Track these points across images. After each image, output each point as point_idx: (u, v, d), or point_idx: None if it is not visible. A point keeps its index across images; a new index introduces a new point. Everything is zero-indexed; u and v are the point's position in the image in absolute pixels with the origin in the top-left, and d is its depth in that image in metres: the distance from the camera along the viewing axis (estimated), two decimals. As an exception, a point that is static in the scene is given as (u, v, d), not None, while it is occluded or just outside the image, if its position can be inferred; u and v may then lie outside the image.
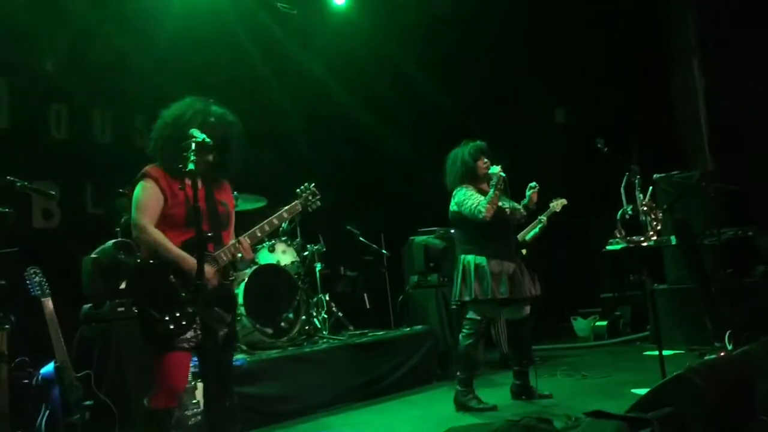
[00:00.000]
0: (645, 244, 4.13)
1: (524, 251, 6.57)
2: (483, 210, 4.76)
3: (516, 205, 5.11)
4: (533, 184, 5.09)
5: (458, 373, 5.03)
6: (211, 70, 6.95)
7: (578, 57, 7.84)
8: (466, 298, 4.92)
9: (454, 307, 5.50)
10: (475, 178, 5.05)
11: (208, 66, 6.95)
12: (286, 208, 3.59)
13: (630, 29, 7.47)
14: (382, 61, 8.09)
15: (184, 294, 3.19)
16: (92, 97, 6.48)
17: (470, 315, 5.01)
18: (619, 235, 4.18)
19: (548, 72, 8.08)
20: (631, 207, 4.33)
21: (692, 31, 7.23)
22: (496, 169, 4.85)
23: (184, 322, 3.17)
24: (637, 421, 2.96)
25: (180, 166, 2.93)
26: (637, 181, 4.34)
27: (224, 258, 3.30)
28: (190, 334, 3.19)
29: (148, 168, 3.36)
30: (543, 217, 6.58)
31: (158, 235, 3.24)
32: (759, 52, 6.79)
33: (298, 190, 3.65)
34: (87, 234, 5.74)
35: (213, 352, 3.24)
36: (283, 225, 6.42)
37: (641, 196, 4.31)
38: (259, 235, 3.49)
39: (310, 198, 3.65)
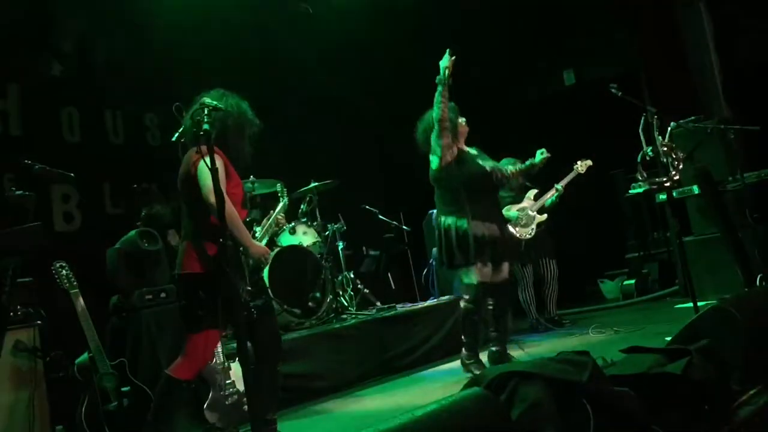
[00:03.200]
0: (668, 184, 4.07)
1: (545, 216, 6.58)
2: (437, 113, 4.63)
3: (497, 164, 5.02)
4: (542, 150, 5.11)
5: (462, 337, 4.93)
6: (219, 62, 6.96)
7: (581, 15, 7.76)
8: (454, 264, 4.78)
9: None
10: (455, 137, 4.88)
11: (214, 57, 6.96)
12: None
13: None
14: (390, 40, 8.02)
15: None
16: (102, 98, 6.52)
17: (466, 280, 4.85)
18: (641, 178, 4.12)
19: (553, 35, 8.02)
20: (650, 149, 4.27)
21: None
22: (445, 62, 4.66)
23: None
24: (675, 353, 2.93)
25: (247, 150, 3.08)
26: (654, 122, 4.27)
27: None
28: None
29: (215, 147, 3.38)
30: (559, 186, 6.56)
31: (235, 210, 3.35)
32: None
33: None
34: (108, 234, 5.77)
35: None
36: (302, 207, 6.45)
37: (660, 137, 4.25)
38: None
39: None
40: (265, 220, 4.00)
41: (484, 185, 4.87)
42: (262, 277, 3.58)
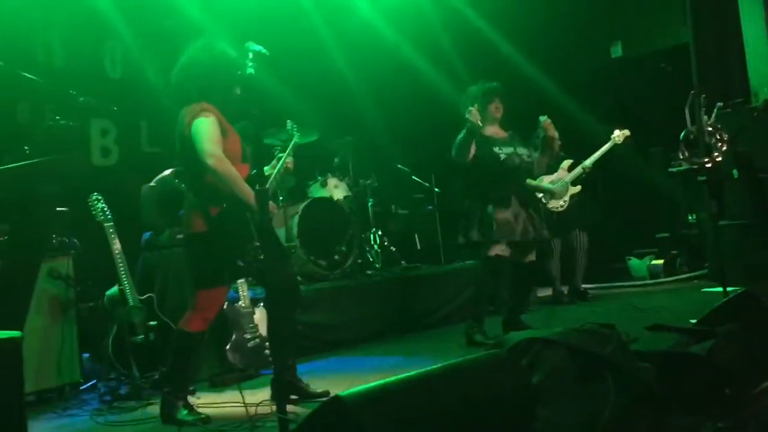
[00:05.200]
0: (709, 165, 3.99)
1: (578, 188, 6.52)
2: (453, 154, 4.77)
3: (524, 151, 5.00)
4: (543, 117, 4.97)
5: (472, 306, 5.02)
6: (260, 7, 6.91)
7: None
8: (474, 239, 4.83)
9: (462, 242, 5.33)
10: (484, 121, 4.88)
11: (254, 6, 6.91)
12: None
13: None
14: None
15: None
16: (144, 36, 6.53)
17: (483, 254, 4.89)
18: (682, 157, 4.04)
19: (602, 6, 7.83)
20: (695, 128, 4.17)
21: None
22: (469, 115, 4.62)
23: (261, 256, 3.26)
24: (701, 334, 2.91)
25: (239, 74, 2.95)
26: (701, 101, 4.17)
27: None
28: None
29: (203, 104, 3.38)
30: (587, 163, 6.46)
31: (234, 168, 3.28)
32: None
33: None
34: (144, 171, 5.84)
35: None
36: (336, 160, 6.47)
37: (705, 117, 4.15)
38: None
39: None
40: (271, 167, 3.83)
41: (501, 171, 4.89)
42: (272, 230, 3.51)
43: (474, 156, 4.79)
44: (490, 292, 5.08)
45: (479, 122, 4.62)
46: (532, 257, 5.02)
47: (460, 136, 4.73)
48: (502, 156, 4.88)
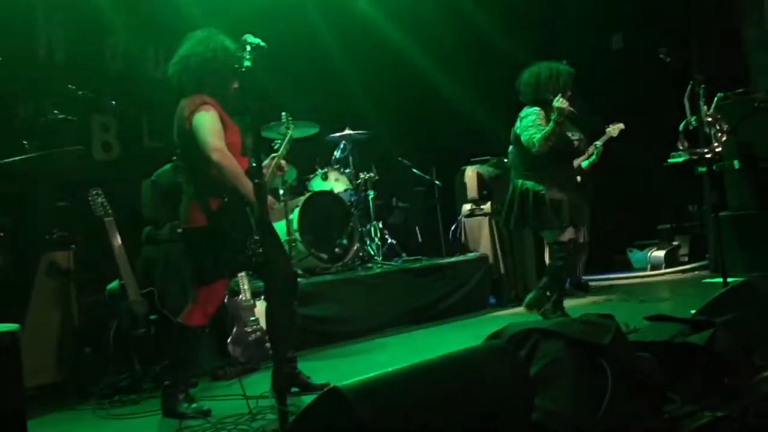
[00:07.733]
0: (709, 156, 3.98)
1: (579, 179, 6.50)
2: (536, 144, 4.64)
3: (577, 135, 5.11)
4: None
5: (548, 293, 4.94)
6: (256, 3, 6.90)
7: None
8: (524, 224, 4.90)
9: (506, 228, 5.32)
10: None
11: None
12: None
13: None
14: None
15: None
16: (144, 31, 6.52)
17: (551, 238, 4.93)
18: (681, 147, 4.03)
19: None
20: (695, 118, 4.16)
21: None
22: (559, 103, 4.58)
23: (260, 249, 3.27)
24: (700, 324, 2.91)
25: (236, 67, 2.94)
26: (701, 91, 4.16)
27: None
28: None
29: (203, 97, 3.38)
30: (599, 143, 6.45)
31: (236, 162, 3.28)
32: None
33: None
34: (145, 165, 5.84)
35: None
36: (336, 154, 6.47)
37: (705, 107, 4.14)
38: None
39: None
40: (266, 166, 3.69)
41: (564, 154, 4.92)
42: (269, 225, 3.50)
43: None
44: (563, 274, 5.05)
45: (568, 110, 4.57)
46: (583, 237, 5.21)
47: (548, 128, 4.61)
48: (576, 142, 5.01)
